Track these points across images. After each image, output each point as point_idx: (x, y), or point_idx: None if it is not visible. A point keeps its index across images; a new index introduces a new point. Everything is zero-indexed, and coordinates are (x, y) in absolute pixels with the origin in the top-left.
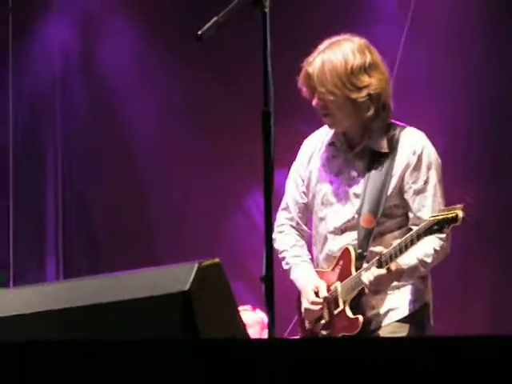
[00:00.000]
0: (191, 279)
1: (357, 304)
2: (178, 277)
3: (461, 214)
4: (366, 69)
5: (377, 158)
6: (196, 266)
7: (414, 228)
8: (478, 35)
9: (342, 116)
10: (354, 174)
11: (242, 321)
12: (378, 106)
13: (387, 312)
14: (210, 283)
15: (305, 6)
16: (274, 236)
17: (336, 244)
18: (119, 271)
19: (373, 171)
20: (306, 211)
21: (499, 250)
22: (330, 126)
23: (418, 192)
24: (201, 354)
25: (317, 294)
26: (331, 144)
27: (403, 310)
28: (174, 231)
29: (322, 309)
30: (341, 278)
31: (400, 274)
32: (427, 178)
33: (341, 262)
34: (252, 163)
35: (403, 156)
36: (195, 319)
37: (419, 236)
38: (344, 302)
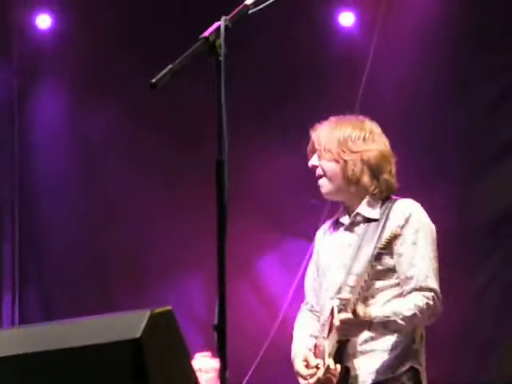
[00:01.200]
0: (143, 326)
1: (341, 355)
2: (129, 324)
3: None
4: (364, 138)
5: (370, 226)
6: (148, 313)
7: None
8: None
9: (333, 176)
10: (348, 241)
11: (193, 369)
12: (373, 175)
13: (370, 373)
14: (162, 331)
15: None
16: None
17: (328, 310)
18: (74, 316)
19: (365, 236)
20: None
21: None
22: (322, 188)
23: (406, 254)
24: None
25: (307, 364)
26: (334, 222)
27: (384, 373)
28: (129, 276)
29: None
30: (328, 335)
31: (369, 321)
32: (416, 240)
33: (329, 323)
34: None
35: (394, 220)
36: (146, 366)
37: (369, 270)
38: (329, 355)
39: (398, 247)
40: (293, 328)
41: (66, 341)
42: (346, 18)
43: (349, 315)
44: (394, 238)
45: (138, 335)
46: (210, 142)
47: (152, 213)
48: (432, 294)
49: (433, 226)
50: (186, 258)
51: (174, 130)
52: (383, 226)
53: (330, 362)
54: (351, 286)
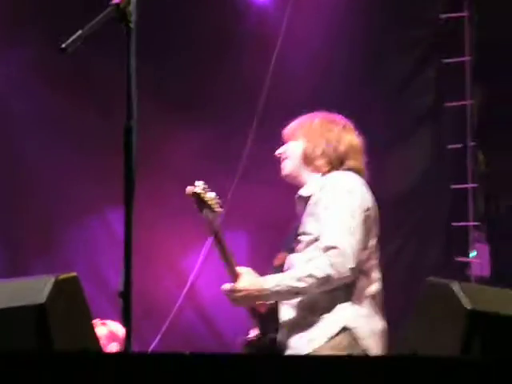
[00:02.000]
0: (47, 292)
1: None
2: (34, 289)
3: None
4: (309, 127)
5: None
6: (53, 279)
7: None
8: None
9: (296, 157)
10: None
11: (96, 334)
12: (335, 161)
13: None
14: (67, 296)
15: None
16: None
17: None
18: None
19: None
20: None
21: None
22: (283, 170)
23: (319, 218)
24: (54, 366)
25: None
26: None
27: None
28: (39, 240)
29: None
30: None
31: (261, 289)
32: (327, 203)
33: None
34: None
35: (317, 191)
36: (50, 331)
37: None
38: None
39: (318, 213)
40: (200, 297)
41: None
42: None
43: (229, 286)
44: None
45: (42, 301)
46: (122, 109)
47: (61, 177)
48: (334, 251)
49: (358, 195)
50: (96, 225)
51: (85, 95)
52: (308, 201)
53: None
54: (274, 266)
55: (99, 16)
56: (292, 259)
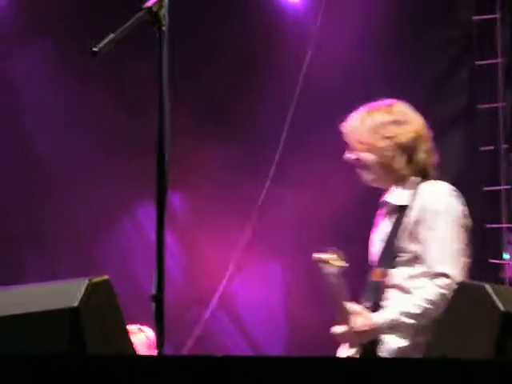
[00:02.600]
0: (81, 296)
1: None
2: (67, 293)
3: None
4: (394, 121)
5: (399, 213)
6: (86, 282)
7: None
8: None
9: (372, 164)
10: (383, 230)
11: (130, 337)
12: (408, 158)
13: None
14: (99, 300)
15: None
16: None
17: None
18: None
19: (392, 226)
20: None
21: None
22: (372, 182)
23: (424, 239)
24: (88, 370)
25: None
26: (381, 203)
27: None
28: (70, 243)
29: None
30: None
31: (374, 329)
32: (434, 225)
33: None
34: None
35: (416, 207)
36: (84, 335)
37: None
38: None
39: (419, 233)
40: (232, 302)
41: (4, 308)
42: None
43: (344, 329)
44: None
45: (75, 304)
46: (153, 110)
47: (92, 179)
48: (444, 279)
49: (457, 209)
50: (128, 228)
51: (116, 96)
52: (407, 213)
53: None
54: (373, 280)
55: (132, 19)
56: (394, 277)
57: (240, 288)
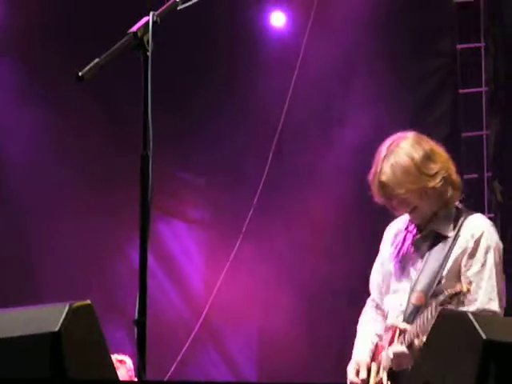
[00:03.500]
0: (62, 320)
1: (397, 375)
2: (48, 317)
3: (466, 287)
4: (429, 156)
5: (439, 241)
6: (67, 306)
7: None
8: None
9: (426, 205)
10: (418, 254)
11: (112, 363)
12: (451, 185)
13: None
14: (81, 324)
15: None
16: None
17: (393, 318)
18: None
19: (433, 252)
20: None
21: None
22: (417, 219)
23: (475, 274)
24: None
25: (358, 372)
26: (404, 229)
27: None
28: (53, 273)
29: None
30: (389, 344)
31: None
32: (484, 261)
33: (389, 332)
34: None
35: (463, 240)
36: (64, 359)
37: (436, 307)
38: (383, 369)
39: (466, 268)
40: (215, 327)
41: None
42: (278, 19)
43: (403, 349)
44: (455, 295)
45: (56, 328)
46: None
47: (77, 210)
48: (491, 315)
49: (501, 246)
50: (111, 253)
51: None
52: (452, 244)
53: (384, 376)
54: (414, 304)
55: (117, 44)
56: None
57: (221, 312)
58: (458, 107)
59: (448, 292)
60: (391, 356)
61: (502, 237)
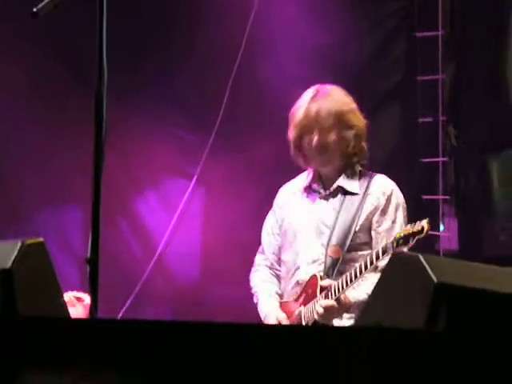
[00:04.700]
0: (13, 257)
1: None
2: (0, 254)
3: (426, 226)
4: (353, 111)
5: (348, 198)
6: (19, 244)
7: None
8: None
9: (335, 154)
10: (326, 209)
11: (64, 300)
12: (359, 147)
13: None
14: (33, 262)
15: None
16: (250, 276)
17: (306, 273)
18: None
19: (343, 208)
20: (279, 252)
21: None
22: (322, 166)
23: (386, 231)
24: (20, 332)
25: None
26: (307, 188)
27: None
28: (5, 208)
29: None
30: (305, 302)
31: (348, 306)
32: (395, 218)
33: (307, 289)
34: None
35: (373, 197)
36: (15, 297)
37: (377, 256)
38: (306, 325)
39: (378, 224)
40: (169, 267)
41: None
42: None
43: (332, 302)
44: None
45: (7, 266)
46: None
47: (32, 145)
48: None
49: (405, 205)
50: (64, 192)
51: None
52: (362, 201)
53: None
54: (331, 257)
55: None
56: (350, 260)
57: (176, 250)
58: (414, 51)
59: (402, 234)
60: (321, 310)
61: (456, 181)
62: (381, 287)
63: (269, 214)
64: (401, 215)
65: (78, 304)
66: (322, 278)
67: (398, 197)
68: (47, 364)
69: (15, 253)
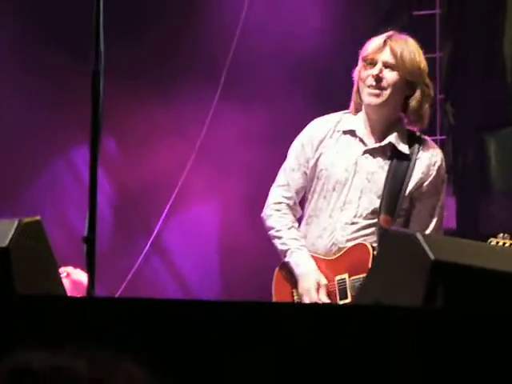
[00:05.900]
0: (10, 235)
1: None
2: None
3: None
4: (426, 71)
5: (398, 159)
6: (16, 222)
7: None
8: None
9: (395, 97)
10: (373, 168)
11: (61, 279)
12: (419, 111)
13: None
14: (30, 240)
15: None
16: (268, 212)
17: (345, 234)
18: None
19: (392, 171)
20: (302, 193)
21: None
22: (375, 101)
23: (431, 203)
24: (17, 310)
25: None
26: (348, 132)
27: None
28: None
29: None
30: (351, 271)
31: None
32: (440, 191)
33: (354, 256)
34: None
35: (423, 165)
36: (13, 275)
37: None
38: (352, 296)
39: (426, 194)
40: (166, 247)
41: None
42: None
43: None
44: None
45: (4, 244)
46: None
47: (27, 121)
48: None
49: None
50: (62, 169)
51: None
52: (411, 165)
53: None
54: (383, 228)
55: None
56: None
57: (173, 231)
58: (411, 29)
59: None
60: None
61: (454, 159)
62: (377, 265)
63: (295, 145)
64: (444, 189)
65: (64, 279)
66: (373, 250)
67: (444, 167)
68: (44, 342)
69: (12, 231)
